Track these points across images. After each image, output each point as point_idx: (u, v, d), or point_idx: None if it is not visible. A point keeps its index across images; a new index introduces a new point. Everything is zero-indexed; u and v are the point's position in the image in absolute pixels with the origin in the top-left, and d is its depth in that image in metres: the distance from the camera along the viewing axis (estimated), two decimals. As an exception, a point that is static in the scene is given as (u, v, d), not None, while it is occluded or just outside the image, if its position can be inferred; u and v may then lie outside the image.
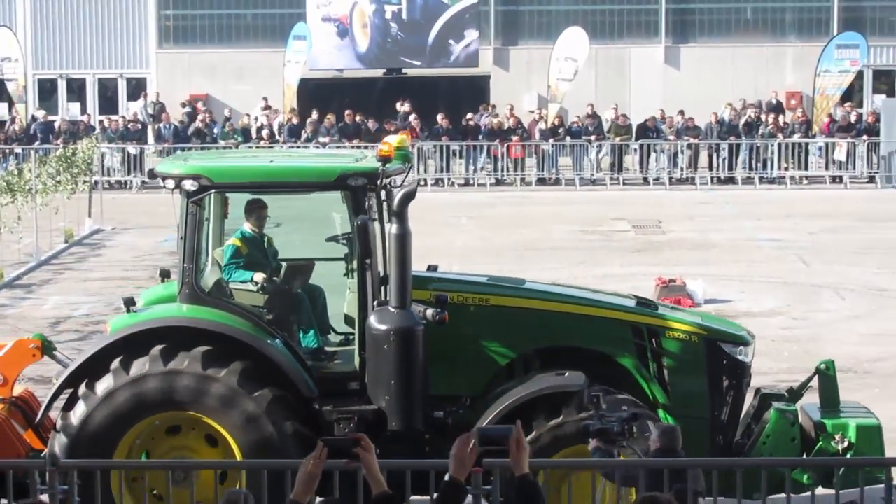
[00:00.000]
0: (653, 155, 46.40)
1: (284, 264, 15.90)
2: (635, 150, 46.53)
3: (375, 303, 14.48)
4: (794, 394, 15.44)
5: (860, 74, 51.14)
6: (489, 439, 7.67)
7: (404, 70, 52.89)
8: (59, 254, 34.11)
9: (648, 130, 46.65)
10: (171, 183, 15.10)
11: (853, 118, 47.28)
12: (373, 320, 14.28)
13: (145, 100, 51.71)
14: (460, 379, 15.04)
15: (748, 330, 15.86)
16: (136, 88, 54.00)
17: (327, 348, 15.50)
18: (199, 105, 50.57)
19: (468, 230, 37.01)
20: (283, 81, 47.71)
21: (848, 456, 14.52)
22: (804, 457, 14.73)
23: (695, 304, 27.23)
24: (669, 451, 13.31)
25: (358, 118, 46.99)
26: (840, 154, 45.96)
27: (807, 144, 45.97)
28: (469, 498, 10.86)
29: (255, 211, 15.67)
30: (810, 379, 15.39)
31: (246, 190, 15.83)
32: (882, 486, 11.82)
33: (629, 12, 54.51)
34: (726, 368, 15.23)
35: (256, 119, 47.32)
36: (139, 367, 14.12)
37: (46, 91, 54.72)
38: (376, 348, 14.23)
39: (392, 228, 14.14)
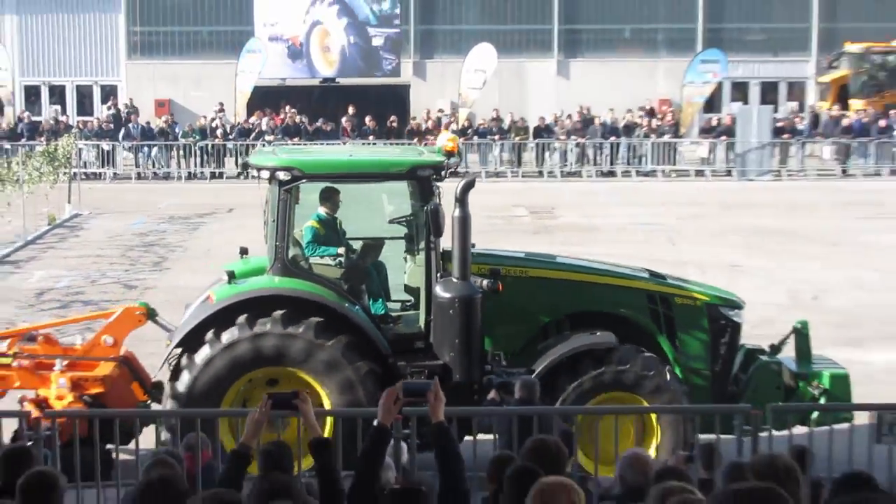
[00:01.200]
0: (547, 152, 46.55)
1: (361, 242, 15.95)
2: (532, 147, 46.68)
3: (439, 275, 14.63)
4: (775, 349, 15.83)
5: (720, 85, 51.41)
6: (412, 392, 7.74)
7: (337, 79, 52.79)
8: (43, 235, 33.82)
9: (543, 131, 46.84)
10: (265, 174, 15.11)
11: (714, 122, 47.73)
12: (438, 289, 14.50)
13: (114, 102, 51.31)
14: (502, 339, 15.18)
15: (739, 297, 16.15)
16: (109, 94, 53.60)
17: (392, 314, 15.57)
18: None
19: (393, 216, 36.94)
20: (234, 88, 47.46)
21: (822, 400, 14.93)
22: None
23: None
24: (528, 402, 13.44)
25: (297, 119, 46.87)
26: (703, 152, 46.43)
27: (675, 144, 46.27)
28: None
29: (330, 197, 15.59)
30: (788, 336, 15.78)
31: (331, 180, 15.63)
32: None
33: (528, 31, 54.61)
34: (724, 328, 15.57)
35: (213, 120, 47.04)
36: (260, 326, 14.27)
37: (32, 96, 54.19)
38: (442, 313, 14.45)
39: (455, 212, 14.31)
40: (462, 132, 46.18)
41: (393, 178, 15.70)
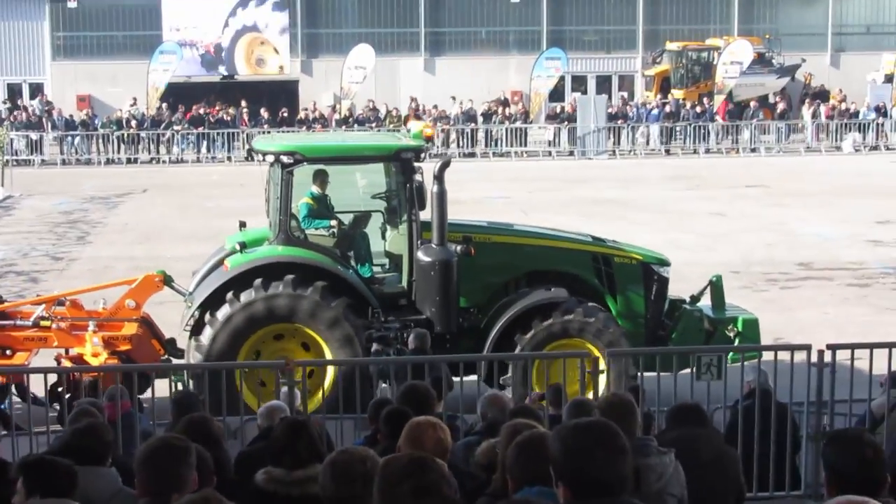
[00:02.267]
0: (417, 137, 46.45)
1: (352, 215, 15.98)
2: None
3: (419, 242, 14.77)
4: (695, 299, 16.15)
5: (562, 78, 51.72)
6: None
7: (235, 76, 52.25)
8: (-21, 214, 33.17)
9: (414, 119, 46.78)
10: (270, 158, 15.12)
11: (558, 110, 48.03)
12: (420, 254, 14.72)
13: (41, 99, 50.29)
14: (472, 295, 15.29)
15: (666, 256, 16.54)
16: (36, 90, 52.49)
17: (377, 275, 15.64)
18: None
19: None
20: (146, 85, 46.72)
21: (737, 342, 15.29)
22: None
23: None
24: (421, 351, 13.52)
25: (202, 111, 46.30)
26: (548, 135, 46.70)
27: (526, 128, 46.49)
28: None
29: (321, 177, 15.65)
30: (705, 288, 16.13)
31: (327, 162, 15.76)
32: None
33: (399, 34, 54.45)
34: (655, 283, 15.89)
35: (127, 112, 46.27)
36: (273, 288, 14.51)
37: (-33, 93, 52.93)
38: (423, 274, 14.66)
39: (433, 188, 14.46)
40: (344, 121, 46.02)
41: (380, 160, 15.90)
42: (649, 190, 36.09)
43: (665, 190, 36.22)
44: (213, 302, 14.70)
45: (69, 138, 45.41)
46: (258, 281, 14.51)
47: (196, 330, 14.82)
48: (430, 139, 15.76)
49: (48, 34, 53.21)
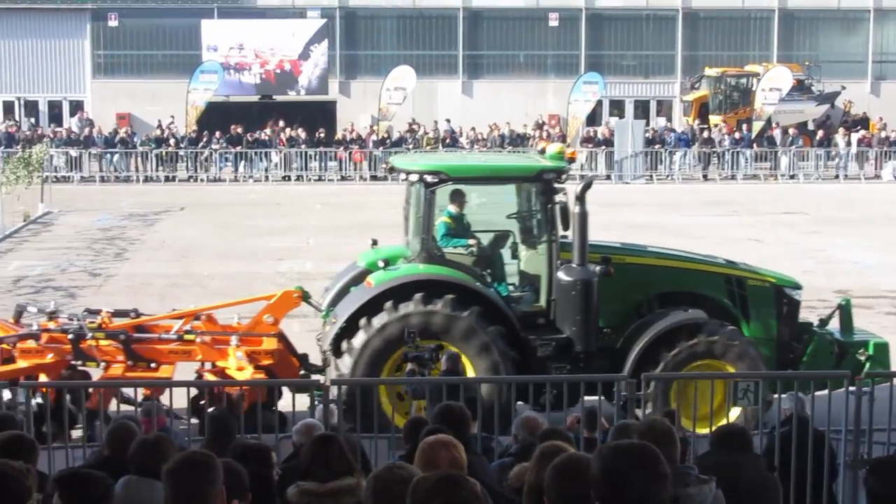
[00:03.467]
0: (454, 159, 46.43)
1: (491, 234, 16.02)
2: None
3: (559, 262, 14.81)
4: (823, 322, 16.24)
5: (600, 103, 51.70)
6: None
7: (274, 96, 52.47)
8: (19, 230, 33.42)
9: (450, 141, 46.82)
10: (414, 177, 15.14)
11: (593, 133, 47.93)
12: (561, 274, 14.72)
13: (81, 116, 50.72)
14: (606, 315, 15.24)
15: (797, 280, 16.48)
16: (76, 108, 52.92)
17: (513, 294, 15.66)
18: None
19: (322, 213, 36.86)
20: (185, 104, 47.00)
21: (867, 366, 15.13)
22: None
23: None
24: (453, 372, 13.49)
25: (239, 131, 46.51)
26: (581, 158, 46.52)
27: (563, 152, 46.34)
28: None
29: (459, 197, 15.65)
30: (834, 312, 16.18)
31: (472, 182, 15.81)
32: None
33: (438, 56, 54.61)
34: (786, 306, 15.86)
35: (167, 131, 46.58)
36: (405, 307, 14.55)
37: (8, 109, 53.27)
38: (564, 294, 14.68)
39: (575, 208, 14.45)
40: (382, 142, 46.11)
41: (523, 181, 15.84)
42: (686, 215, 35.94)
43: (702, 216, 36.06)
44: (358, 317, 14.74)
45: (108, 155, 45.73)
46: (388, 303, 14.58)
47: (342, 344, 14.86)
48: (572, 160, 15.85)
49: (89, 52, 53.65)
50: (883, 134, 47.85)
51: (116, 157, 45.77)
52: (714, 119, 50.31)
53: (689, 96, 53.37)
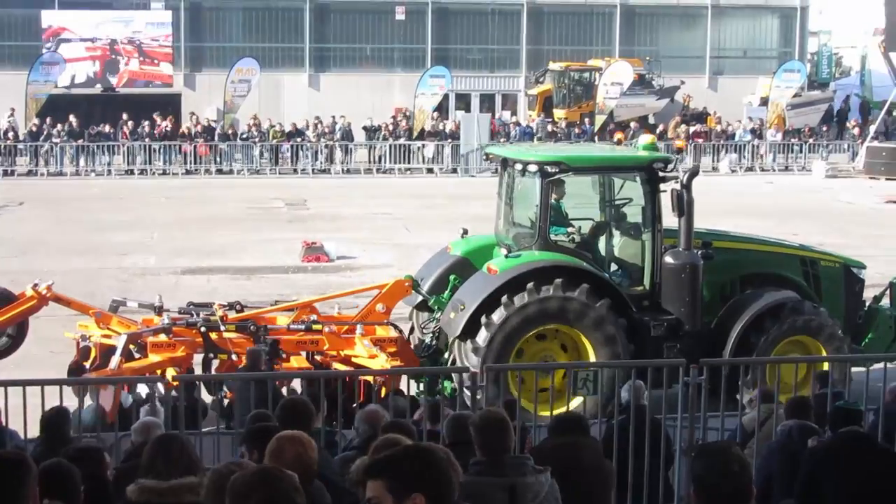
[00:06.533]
0: (300, 152, 46.26)
1: (593, 222, 16.43)
2: (287, 148, 46.21)
3: (663, 247, 15.45)
4: (877, 299, 17.33)
5: (446, 96, 51.95)
6: None
7: (117, 88, 51.48)
8: None
9: (296, 134, 46.56)
10: (532, 167, 15.47)
11: (440, 126, 48.09)
12: (669, 258, 15.40)
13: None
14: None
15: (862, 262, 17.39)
16: None
17: (614, 277, 15.92)
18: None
19: (167, 207, 36.32)
20: (25, 96, 45.85)
21: None
22: None
23: (329, 259, 27.26)
24: (253, 369, 13.44)
25: (75, 124, 45.40)
26: (429, 152, 46.70)
27: (410, 145, 46.58)
28: None
29: (559, 187, 15.77)
30: (886, 289, 17.30)
31: (590, 172, 16.37)
32: None
33: (284, 49, 54.29)
34: (854, 283, 16.92)
35: (7, 124, 45.33)
36: (545, 291, 14.94)
37: None
38: (673, 277, 15.39)
39: (683, 195, 14.99)
40: (227, 136, 45.64)
41: (636, 171, 16.11)
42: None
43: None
44: (489, 301, 15.01)
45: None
46: (531, 284, 14.93)
47: (470, 332, 15.02)
48: (680, 150, 16.56)
49: (-77, 43, 52.01)
50: (719, 128, 49.04)
51: (-48, 150, 44.43)
52: (558, 113, 50.98)
53: (533, 90, 53.98)
